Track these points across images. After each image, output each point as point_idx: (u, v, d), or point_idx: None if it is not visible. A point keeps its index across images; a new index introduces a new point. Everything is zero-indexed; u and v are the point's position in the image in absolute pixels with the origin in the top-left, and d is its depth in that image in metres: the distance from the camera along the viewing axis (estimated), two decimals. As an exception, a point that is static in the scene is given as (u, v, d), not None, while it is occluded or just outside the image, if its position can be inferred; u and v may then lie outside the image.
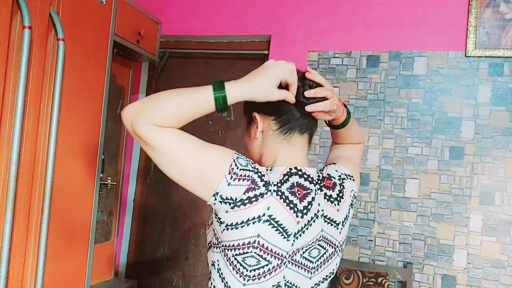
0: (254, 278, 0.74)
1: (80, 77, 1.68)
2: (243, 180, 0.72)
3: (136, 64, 2.51)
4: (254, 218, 0.72)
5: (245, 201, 0.72)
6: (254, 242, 0.72)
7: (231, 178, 0.72)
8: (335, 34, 2.22)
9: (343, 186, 0.86)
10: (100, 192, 2.15)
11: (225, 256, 0.76)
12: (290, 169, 0.79)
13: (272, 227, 0.73)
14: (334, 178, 0.86)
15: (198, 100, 0.72)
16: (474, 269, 1.89)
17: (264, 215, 0.72)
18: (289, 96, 0.78)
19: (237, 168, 0.73)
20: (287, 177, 0.77)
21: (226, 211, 0.72)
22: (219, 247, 0.77)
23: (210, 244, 0.83)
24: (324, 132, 2.18)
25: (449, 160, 1.98)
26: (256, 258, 0.73)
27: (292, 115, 0.82)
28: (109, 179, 2.25)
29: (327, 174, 0.87)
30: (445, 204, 1.97)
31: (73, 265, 1.71)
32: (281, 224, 0.73)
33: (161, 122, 0.70)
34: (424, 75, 2.05)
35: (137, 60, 2.48)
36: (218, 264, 0.78)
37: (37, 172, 1.50)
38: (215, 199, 0.72)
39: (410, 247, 1.99)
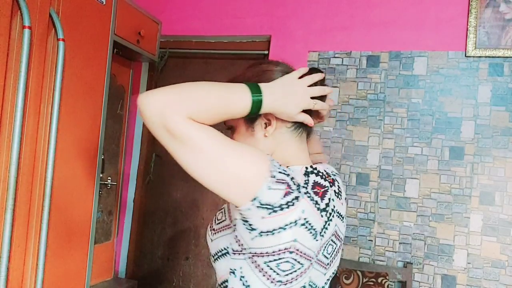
0: (286, 283, 0.71)
1: (80, 77, 1.68)
2: (281, 184, 0.68)
3: (136, 64, 2.51)
4: (291, 222, 0.68)
5: (283, 206, 0.67)
6: (290, 247, 0.69)
7: (271, 182, 0.67)
8: (335, 34, 2.22)
9: (337, 181, 0.88)
10: (100, 192, 2.15)
11: (253, 263, 0.71)
12: (306, 168, 0.77)
13: (307, 230, 0.70)
14: (331, 174, 0.87)
15: (233, 100, 0.69)
16: (474, 269, 1.89)
17: (300, 219, 0.69)
18: (308, 120, 0.79)
19: (275, 170, 0.69)
20: (307, 177, 0.75)
21: (262, 217, 0.67)
22: (244, 254, 0.72)
23: (224, 251, 0.76)
24: (324, 132, 2.18)
25: (449, 160, 1.98)
26: (291, 263, 0.70)
27: None
28: (109, 179, 2.25)
29: (324, 170, 0.87)
30: (445, 204, 1.97)
31: (73, 265, 1.71)
32: (313, 226, 0.72)
33: (196, 118, 0.64)
34: (424, 75, 2.05)
35: (137, 60, 2.48)
36: (241, 272, 0.73)
37: (37, 172, 1.50)
38: (252, 204, 0.66)
39: (410, 247, 1.99)
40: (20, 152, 1.40)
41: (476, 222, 1.91)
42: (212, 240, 0.81)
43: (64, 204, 1.64)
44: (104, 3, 1.79)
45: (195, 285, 2.50)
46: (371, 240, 2.06)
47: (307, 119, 0.78)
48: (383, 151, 2.09)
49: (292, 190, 0.69)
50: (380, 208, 2.06)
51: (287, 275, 0.71)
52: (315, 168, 0.79)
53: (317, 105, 0.78)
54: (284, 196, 0.67)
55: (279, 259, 0.69)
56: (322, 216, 0.74)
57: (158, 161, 2.64)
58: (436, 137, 2.01)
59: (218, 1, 2.48)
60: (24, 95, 1.39)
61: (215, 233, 0.81)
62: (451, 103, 2.00)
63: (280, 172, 0.69)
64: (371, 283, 1.88)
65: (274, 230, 0.67)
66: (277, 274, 0.70)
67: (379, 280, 1.88)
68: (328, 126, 2.18)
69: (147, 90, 2.64)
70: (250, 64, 0.85)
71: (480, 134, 1.95)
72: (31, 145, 1.47)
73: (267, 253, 0.69)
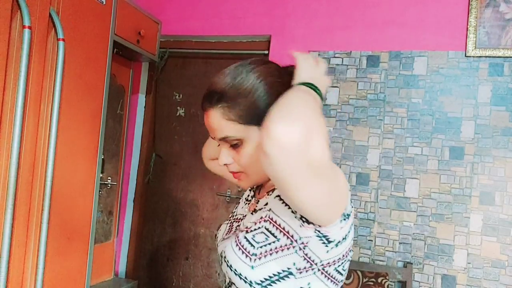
0: (343, 280, 0.75)
1: (80, 77, 1.68)
2: (348, 191, 0.70)
3: (136, 64, 2.51)
4: (351, 225, 0.71)
5: (351, 211, 0.70)
6: (351, 246, 0.72)
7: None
8: (335, 34, 2.22)
9: None
10: (100, 192, 2.15)
11: (322, 273, 0.70)
12: None
13: (353, 226, 0.73)
14: None
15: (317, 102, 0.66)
16: (474, 269, 1.89)
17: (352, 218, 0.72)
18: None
19: None
20: None
21: (341, 227, 0.67)
22: (313, 269, 0.69)
23: (285, 273, 0.69)
24: (324, 132, 2.17)
25: (449, 160, 1.98)
26: (349, 260, 0.74)
27: None
28: (109, 179, 2.25)
29: None
30: (445, 204, 1.97)
31: (73, 265, 1.71)
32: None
33: None
34: (424, 75, 2.05)
35: (137, 60, 2.48)
36: (310, 287, 0.70)
37: (37, 172, 1.50)
38: (339, 219, 0.66)
39: (410, 247, 1.99)
40: (20, 152, 1.40)
41: (476, 222, 1.91)
42: (253, 267, 0.69)
43: (64, 204, 1.64)
44: (104, 3, 1.79)
45: (195, 285, 2.51)
46: (371, 240, 2.06)
47: None
48: (383, 151, 2.09)
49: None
50: (380, 208, 2.06)
51: (346, 272, 0.74)
52: None
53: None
54: (350, 202, 0.70)
55: (345, 261, 0.72)
56: None
57: (158, 161, 2.64)
58: (436, 137, 2.01)
59: (218, 1, 2.48)
60: (24, 95, 1.39)
61: (259, 258, 0.69)
62: (451, 103, 2.00)
63: None
64: (371, 283, 1.88)
65: (346, 235, 0.69)
66: (342, 274, 0.73)
67: (379, 280, 1.88)
68: (328, 126, 2.18)
69: (147, 90, 2.65)
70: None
71: (480, 134, 1.95)
72: (31, 145, 1.47)
73: (339, 259, 0.70)
